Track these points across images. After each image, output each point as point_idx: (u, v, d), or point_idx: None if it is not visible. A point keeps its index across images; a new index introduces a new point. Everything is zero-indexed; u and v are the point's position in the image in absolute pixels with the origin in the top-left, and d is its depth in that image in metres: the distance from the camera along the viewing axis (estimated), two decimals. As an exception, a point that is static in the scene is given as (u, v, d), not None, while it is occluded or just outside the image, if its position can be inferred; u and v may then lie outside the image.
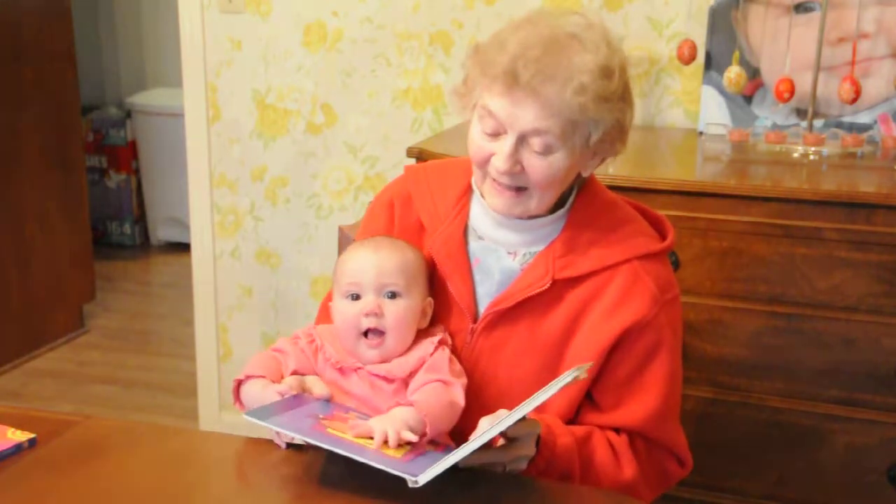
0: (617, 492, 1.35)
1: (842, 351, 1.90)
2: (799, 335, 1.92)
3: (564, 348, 1.37)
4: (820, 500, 1.98)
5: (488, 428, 1.20)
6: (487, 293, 1.42)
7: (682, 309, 1.45)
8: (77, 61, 3.74)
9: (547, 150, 1.30)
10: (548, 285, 1.37)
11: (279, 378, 1.35)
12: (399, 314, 1.36)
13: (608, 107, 1.29)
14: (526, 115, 1.28)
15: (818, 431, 1.95)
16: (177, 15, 2.81)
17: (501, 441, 1.26)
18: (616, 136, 1.35)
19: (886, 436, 1.91)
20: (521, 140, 1.30)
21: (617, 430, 1.40)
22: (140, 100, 4.82)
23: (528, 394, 1.26)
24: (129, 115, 4.85)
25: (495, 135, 1.32)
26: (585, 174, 1.40)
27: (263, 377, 1.34)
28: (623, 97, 1.32)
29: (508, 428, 1.22)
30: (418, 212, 1.48)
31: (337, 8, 2.67)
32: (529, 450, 1.28)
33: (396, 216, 1.50)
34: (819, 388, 1.93)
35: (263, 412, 1.24)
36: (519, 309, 1.38)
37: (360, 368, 1.36)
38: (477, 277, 1.43)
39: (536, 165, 1.31)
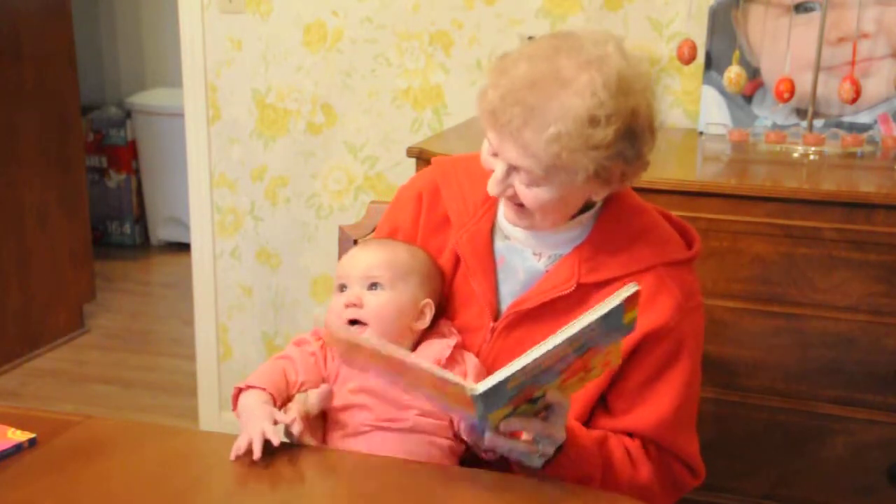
0: (634, 494, 1.34)
1: (842, 351, 1.90)
2: (799, 335, 1.91)
3: None
4: (820, 499, 1.98)
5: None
6: (510, 292, 1.42)
7: (704, 318, 1.43)
8: (77, 61, 3.74)
9: (532, 183, 1.31)
10: (572, 288, 1.37)
11: (282, 391, 1.35)
12: (379, 305, 1.38)
13: (590, 155, 1.26)
14: (509, 153, 1.29)
15: (818, 431, 1.95)
16: (177, 15, 2.81)
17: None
18: (620, 171, 1.32)
19: (886, 436, 1.91)
20: (511, 168, 1.31)
21: (630, 436, 1.39)
22: (140, 100, 4.82)
23: None
24: (129, 115, 4.85)
25: (494, 155, 1.34)
26: (597, 198, 1.38)
27: (264, 390, 1.34)
28: (621, 141, 1.27)
29: (549, 390, 1.21)
30: (446, 206, 1.48)
31: (337, 8, 2.67)
32: (560, 432, 1.25)
33: (424, 209, 1.50)
34: (819, 388, 1.93)
35: None
36: (541, 310, 1.38)
37: None
38: (500, 276, 1.43)
39: (524, 194, 1.32)
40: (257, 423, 1.26)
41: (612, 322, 1.17)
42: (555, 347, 1.15)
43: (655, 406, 1.37)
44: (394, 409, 1.34)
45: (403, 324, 1.40)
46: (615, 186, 1.36)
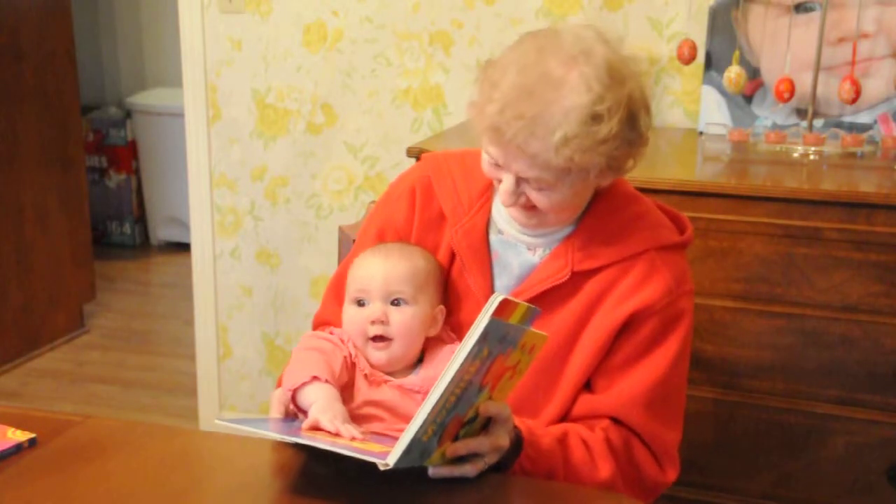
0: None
1: (842, 351, 1.90)
2: (799, 335, 1.92)
3: (577, 337, 1.37)
4: (820, 500, 1.98)
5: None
6: (505, 287, 1.42)
7: (694, 306, 1.43)
8: (77, 61, 3.74)
9: (544, 189, 1.31)
10: (566, 277, 1.37)
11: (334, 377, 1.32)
12: (405, 322, 1.36)
13: (600, 150, 1.26)
14: (517, 165, 1.29)
15: (818, 431, 1.95)
16: (177, 15, 2.81)
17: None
18: (626, 155, 1.32)
19: (886, 436, 1.91)
20: (521, 179, 1.31)
21: (608, 423, 1.38)
22: (140, 100, 4.83)
23: (540, 385, 1.31)
24: (129, 115, 4.85)
25: (498, 166, 1.33)
26: (605, 184, 1.39)
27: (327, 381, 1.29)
28: (624, 128, 1.27)
29: (482, 404, 1.19)
30: (440, 201, 1.47)
31: (337, 8, 2.67)
32: (504, 440, 1.24)
33: (417, 204, 1.48)
34: (819, 388, 1.93)
35: (253, 423, 1.24)
36: (537, 302, 1.37)
37: (389, 381, 1.35)
38: (495, 271, 1.43)
39: (537, 198, 1.32)
40: (335, 421, 1.23)
41: (498, 332, 1.14)
42: (450, 382, 1.11)
43: (631, 384, 1.36)
44: (404, 422, 1.32)
45: (423, 335, 1.39)
46: (623, 172, 1.36)
